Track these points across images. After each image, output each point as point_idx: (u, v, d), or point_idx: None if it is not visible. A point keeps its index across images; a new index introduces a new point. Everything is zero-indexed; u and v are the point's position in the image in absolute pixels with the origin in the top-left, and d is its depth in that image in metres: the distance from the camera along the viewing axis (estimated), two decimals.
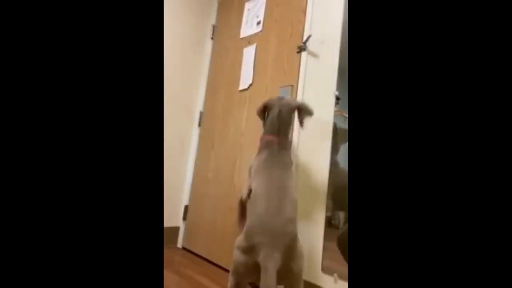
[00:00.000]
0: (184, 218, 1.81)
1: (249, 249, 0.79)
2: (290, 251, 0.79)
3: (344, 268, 1.06)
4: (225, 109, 1.73)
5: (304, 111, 1.06)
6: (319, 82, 1.27)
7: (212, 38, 1.98)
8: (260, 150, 1.03)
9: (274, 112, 1.05)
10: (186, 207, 1.82)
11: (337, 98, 1.20)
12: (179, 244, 1.79)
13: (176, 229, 1.81)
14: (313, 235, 1.16)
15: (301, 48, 1.30)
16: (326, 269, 1.10)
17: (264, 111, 1.10)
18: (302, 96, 1.33)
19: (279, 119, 1.03)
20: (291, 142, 1.11)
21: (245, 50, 1.68)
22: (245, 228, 0.84)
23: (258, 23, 1.64)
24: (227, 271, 1.44)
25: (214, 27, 1.99)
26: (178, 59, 1.84)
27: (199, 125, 1.90)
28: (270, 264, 0.73)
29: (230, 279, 0.88)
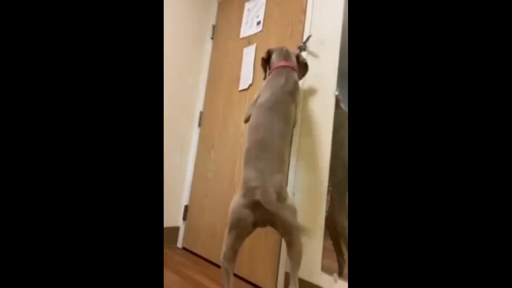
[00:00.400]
0: (184, 218, 1.81)
1: (247, 194, 0.87)
2: (278, 193, 0.87)
3: (344, 268, 1.06)
4: (225, 109, 1.73)
5: (301, 61, 1.16)
6: (319, 82, 1.27)
7: (212, 38, 1.98)
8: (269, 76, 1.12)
9: (278, 50, 1.15)
10: (186, 207, 1.82)
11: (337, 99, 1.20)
12: (179, 244, 1.79)
13: (176, 229, 1.81)
14: (313, 235, 1.16)
15: (301, 48, 1.30)
16: (326, 269, 1.10)
17: (268, 58, 1.18)
18: (302, 96, 1.33)
19: (285, 51, 1.14)
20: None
21: (245, 50, 1.68)
22: (242, 179, 0.92)
23: (258, 23, 1.64)
24: None
25: (214, 27, 1.99)
26: (178, 59, 1.84)
27: (199, 125, 1.90)
28: (265, 194, 0.83)
29: (227, 238, 0.89)
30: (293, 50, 1.21)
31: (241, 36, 1.74)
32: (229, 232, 0.89)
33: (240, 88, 1.65)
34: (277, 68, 1.09)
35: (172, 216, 1.80)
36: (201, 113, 1.91)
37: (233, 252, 0.89)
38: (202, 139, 1.85)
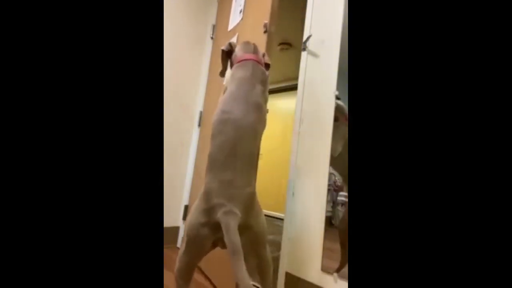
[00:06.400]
0: (184, 218, 1.81)
1: (208, 211, 0.72)
2: (247, 209, 0.74)
3: (344, 267, 1.06)
4: None
5: (265, 62, 1.00)
6: (319, 82, 1.27)
7: (212, 38, 1.98)
8: (233, 71, 0.93)
9: (244, 44, 0.99)
10: (186, 207, 1.82)
11: (337, 98, 1.20)
12: (179, 244, 1.79)
13: (176, 229, 1.81)
14: (313, 235, 1.16)
15: (267, 28, 1.19)
16: (326, 269, 1.10)
17: (230, 51, 1.02)
18: (302, 96, 1.33)
19: (252, 47, 0.97)
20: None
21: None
22: (203, 190, 0.76)
23: (240, 12, 1.55)
24: None
25: (214, 26, 1.99)
26: (178, 59, 1.84)
27: (199, 125, 1.90)
28: (230, 219, 0.68)
29: (181, 258, 0.77)
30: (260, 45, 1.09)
31: (229, 28, 1.66)
32: (186, 249, 0.76)
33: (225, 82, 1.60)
34: (241, 60, 0.94)
35: (172, 216, 1.80)
36: (201, 113, 1.91)
37: (190, 270, 0.78)
38: (202, 139, 1.85)
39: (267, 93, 0.94)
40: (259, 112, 0.83)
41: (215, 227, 0.71)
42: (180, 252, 0.78)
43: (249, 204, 0.75)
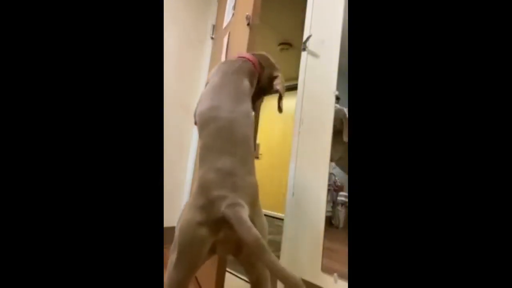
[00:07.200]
0: None
1: (207, 207, 0.60)
2: (252, 203, 0.63)
3: (344, 268, 1.06)
4: None
5: (275, 85, 0.91)
6: (319, 82, 1.27)
7: (212, 38, 1.98)
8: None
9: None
10: None
11: (337, 98, 1.20)
12: None
13: None
14: (313, 235, 1.16)
15: (249, 21, 1.14)
16: (326, 269, 1.10)
17: None
18: (302, 95, 1.33)
19: (264, 57, 0.92)
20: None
21: (224, 39, 1.53)
22: (196, 186, 0.64)
23: (233, 8, 1.48)
24: (226, 271, 1.44)
25: (214, 26, 1.99)
26: (178, 58, 1.84)
27: None
28: (238, 210, 0.56)
29: (170, 276, 0.62)
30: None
31: (224, 26, 1.61)
32: (178, 262, 0.61)
33: None
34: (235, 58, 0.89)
35: (172, 216, 1.80)
36: None
37: None
38: None
39: (254, 84, 0.86)
40: (248, 103, 0.76)
41: (216, 225, 0.59)
42: (169, 269, 0.64)
43: (254, 197, 0.64)
